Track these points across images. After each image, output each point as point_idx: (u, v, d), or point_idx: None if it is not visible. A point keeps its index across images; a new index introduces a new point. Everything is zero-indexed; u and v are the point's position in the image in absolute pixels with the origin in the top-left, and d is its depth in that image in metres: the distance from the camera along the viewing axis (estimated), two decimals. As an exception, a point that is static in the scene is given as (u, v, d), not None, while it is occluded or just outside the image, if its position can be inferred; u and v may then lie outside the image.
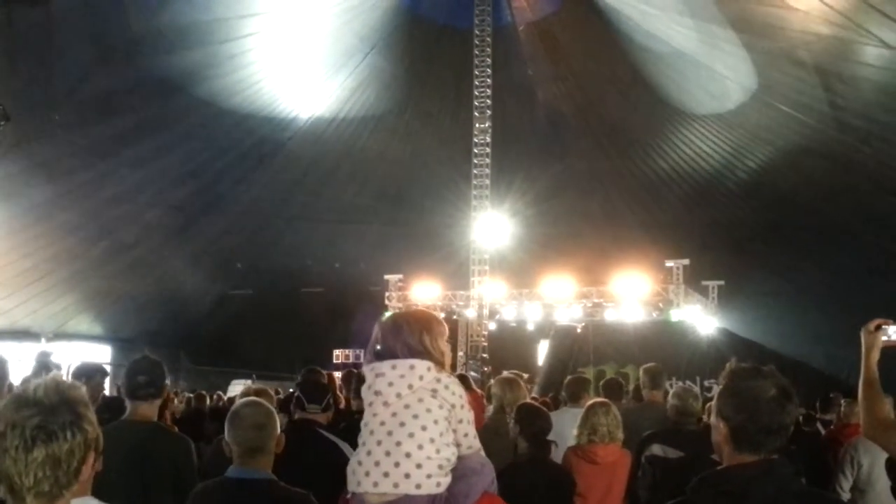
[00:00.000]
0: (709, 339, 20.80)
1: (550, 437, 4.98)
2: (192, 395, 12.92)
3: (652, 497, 5.20)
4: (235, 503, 3.29)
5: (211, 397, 13.27)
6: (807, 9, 16.78)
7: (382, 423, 2.20)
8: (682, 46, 22.28)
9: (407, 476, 2.13)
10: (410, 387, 2.23)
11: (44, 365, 7.07)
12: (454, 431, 2.25)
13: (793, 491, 2.32)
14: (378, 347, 2.36)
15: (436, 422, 2.20)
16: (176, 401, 14.54)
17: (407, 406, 2.21)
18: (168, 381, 4.33)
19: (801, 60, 19.00)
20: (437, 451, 2.17)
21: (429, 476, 2.14)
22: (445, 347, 2.40)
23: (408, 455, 2.14)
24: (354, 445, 4.36)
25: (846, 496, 5.91)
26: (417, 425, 2.18)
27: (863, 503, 5.92)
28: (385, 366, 2.28)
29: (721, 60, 21.84)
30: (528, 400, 5.72)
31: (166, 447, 4.08)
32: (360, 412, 5.31)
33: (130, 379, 4.13)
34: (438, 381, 2.26)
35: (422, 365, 2.27)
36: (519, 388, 5.71)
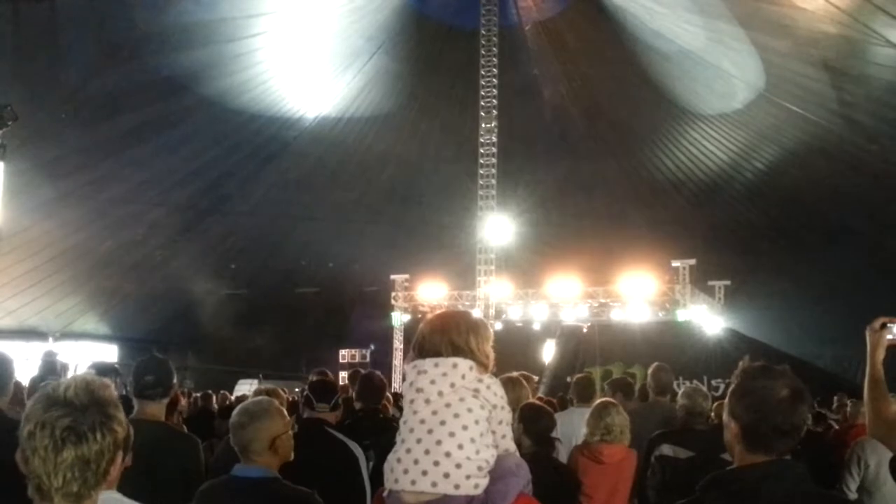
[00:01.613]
0: (715, 339, 20.77)
1: (559, 437, 4.98)
2: (198, 395, 12.94)
3: (661, 497, 5.18)
4: (239, 501, 3.31)
5: (217, 397, 13.30)
6: (814, 8, 16.77)
7: (422, 422, 2.18)
8: (689, 45, 22.26)
9: (446, 476, 2.11)
10: (452, 385, 2.21)
11: (51, 364, 7.08)
12: (493, 433, 2.25)
13: (803, 492, 2.30)
14: (423, 345, 2.36)
15: (476, 422, 2.17)
16: (183, 400, 14.57)
17: (448, 405, 2.18)
18: (176, 381, 4.35)
19: (809, 59, 18.98)
20: (477, 452, 2.14)
21: (468, 477, 2.12)
22: (491, 352, 2.39)
23: (448, 454, 2.12)
24: (357, 442, 4.45)
25: (853, 496, 5.90)
26: (458, 425, 2.15)
27: (870, 503, 5.92)
28: (428, 363, 2.26)
29: (728, 59, 21.83)
30: (532, 400, 5.73)
31: (174, 446, 4.09)
32: (363, 411, 5.41)
33: (138, 378, 4.14)
34: (481, 381, 2.24)
35: (464, 364, 2.24)
36: (522, 387, 5.70)
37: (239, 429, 3.37)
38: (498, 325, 26.96)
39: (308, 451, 3.58)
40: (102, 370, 5.29)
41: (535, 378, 6.20)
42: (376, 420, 5.24)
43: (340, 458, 4.30)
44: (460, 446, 2.13)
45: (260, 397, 3.89)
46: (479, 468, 2.13)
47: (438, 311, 2.58)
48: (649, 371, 6.99)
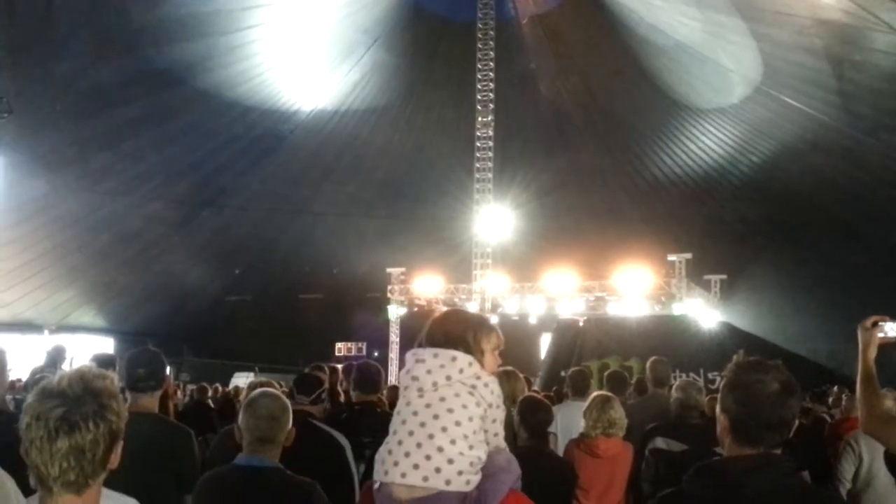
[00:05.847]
0: (711, 333, 20.77)
1: (557, 430, 4.97)
2: (194, 388, 12.94)
3: (655, 490, 5.17)
4: (243, 490, 3.34)
5: (213, 390, 13.31)
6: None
7: (415, 413, 2.15)
8: (686, 39, 22.24)
9: (437, 470, 2.07)
10: (448, 378, 2.17)
11: (52, 358, 7.08)
12: (485, 431, 2.22)
13: (788, 486, 2.30)
14: (428, 337, 2.34)
15: (470, 419, 2.13)
16: (179, 393, 14.59)
17: (442, 399, 2.15)
18: (168, 373, 4.34)
19: (809, 48, 18.90)
20: (471, 448, 2.10)
21: (460, 473, 2.08)
22: (492, 357, 2.36)
23: (440, 449, 2.08)
24: (352, 435, 4.45)
25: (847, 485, 5.91)
26: (451, 420, 2.11)
27: (864, 497, 5.93)
28: (427, 352, 2.23)
29: (726, 52, 21.81)
30: (529, 393, 5.71)
31: (167, 438, 4.08)
32: (360, 403, 5.38)
33: (130, 371, 4.13)
34: (478, 377, 2.20)
35: (464, 358, 2.20)
36: (517, 380, 5.69)
37: (269, 420, 3.40)
38: (494, 319, 26.97)
39: (294, 442, 3.60)
40: (103, 362, 5.27)
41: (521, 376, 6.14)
42: (374, 416, 5.20)
43: (327, 448, 4.34)
44: (453, 442, 2.09)
45: (271, 389, 3.90)
46: (472, 464, 2.10)
47: (449, 309, 2.56)
48: (647, 364, 6.99)
